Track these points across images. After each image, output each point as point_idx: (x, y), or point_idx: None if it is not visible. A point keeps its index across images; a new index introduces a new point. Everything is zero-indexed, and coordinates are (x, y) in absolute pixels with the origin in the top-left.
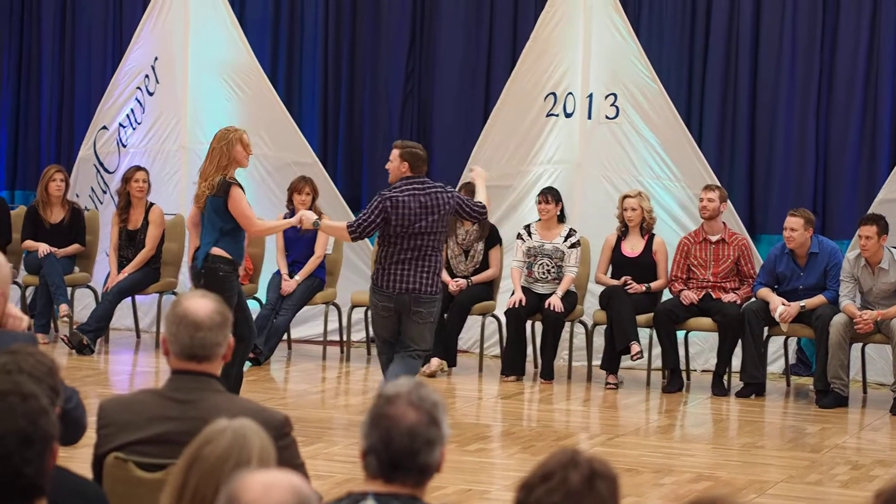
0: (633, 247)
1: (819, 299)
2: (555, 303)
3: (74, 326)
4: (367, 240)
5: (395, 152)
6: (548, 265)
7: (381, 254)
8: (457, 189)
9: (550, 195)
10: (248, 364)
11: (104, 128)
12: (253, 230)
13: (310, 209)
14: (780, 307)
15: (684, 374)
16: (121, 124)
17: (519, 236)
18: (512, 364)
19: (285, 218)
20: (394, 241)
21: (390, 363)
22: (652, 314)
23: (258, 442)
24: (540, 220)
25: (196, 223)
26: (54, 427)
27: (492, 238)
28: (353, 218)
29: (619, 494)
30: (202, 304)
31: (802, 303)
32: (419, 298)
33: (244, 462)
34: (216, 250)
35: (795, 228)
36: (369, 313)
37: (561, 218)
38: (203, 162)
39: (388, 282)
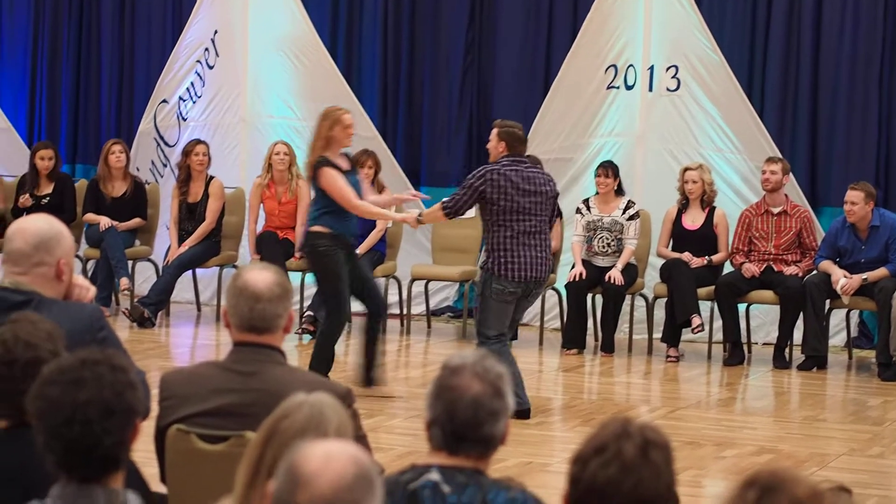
0: (693, 219)
1: (881, 272)
2: (615, 276)
3: (135, 300)
4: None
5: (493, 131)
6: (607, 238)
7: (495, 238)
8: None
9: (610, 169)
10: (307, 337)
11: (164, 101)
12: (355, 211)
13: (372, 183)
14: (842, 280)
15: (745, 347)
16: (181, 98)
17: (578, 210)
18: (573, 337)
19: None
20: (502, 222)
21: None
22: (713, 287)
23: (335, 417)
24: (598, 193)
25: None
26: (140, 403)
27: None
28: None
29: (673, 461)
30: (262, 276)
31: (864, 275)
32: (541, 283)
33: (322, 436)
34: (315, 228)
35: (856, 202)
36: (488, 302)
37: (619, 191)
38: None
39: (514, 269)
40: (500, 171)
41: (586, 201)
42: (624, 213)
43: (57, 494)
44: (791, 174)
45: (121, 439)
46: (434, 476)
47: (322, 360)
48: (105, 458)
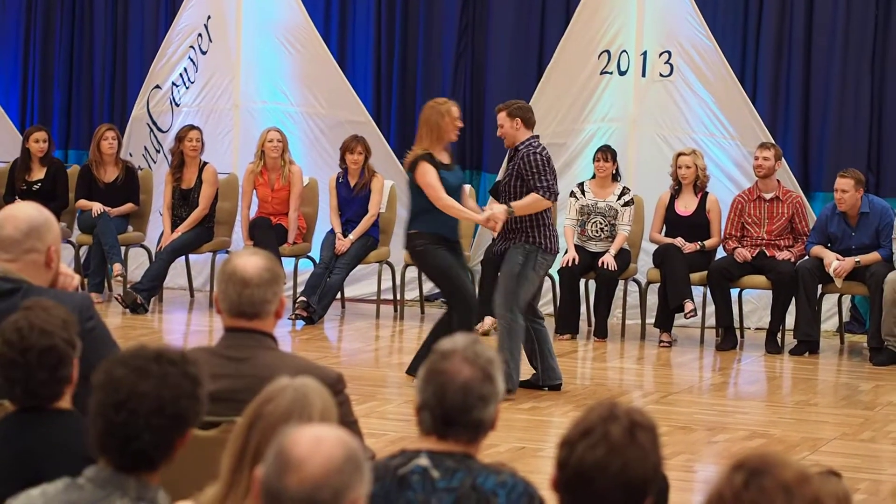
0: (686, 205)
1: (874, 256)
2: (608, 261)
3: (128, 286)
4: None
5: (501, 115)
6: (601, 223)
7: (540, 214)
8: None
9: (609, 152)
10: (301, 323)
11: (157, 87)
12: (442, 207)
13: (362, 168)
14: (835, 262)
15: (738, 332)
16: (174, 83)
17: (572, 194)
18: (566, 322)
19: (338, 179)
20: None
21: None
22: (706, 272)
23: (319, 401)
24: (594, 177)
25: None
26: (196, 416)
27: None
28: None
29: (659, 443)
30: (251, 262)
31: (857, 258)
32: None
33: (306, 420)
34: (412, 230)
35: (846, 190)
36: (530, 276)
37: (615, 176)
38: None
39: (555, 244)
40: (544, 147)
41: (581, 185)
42: (619, 198)
43: (90, 476)
44: (784, 160)
45: (161, 442)
46: (423, 461)
47: None
48: (140, 452)
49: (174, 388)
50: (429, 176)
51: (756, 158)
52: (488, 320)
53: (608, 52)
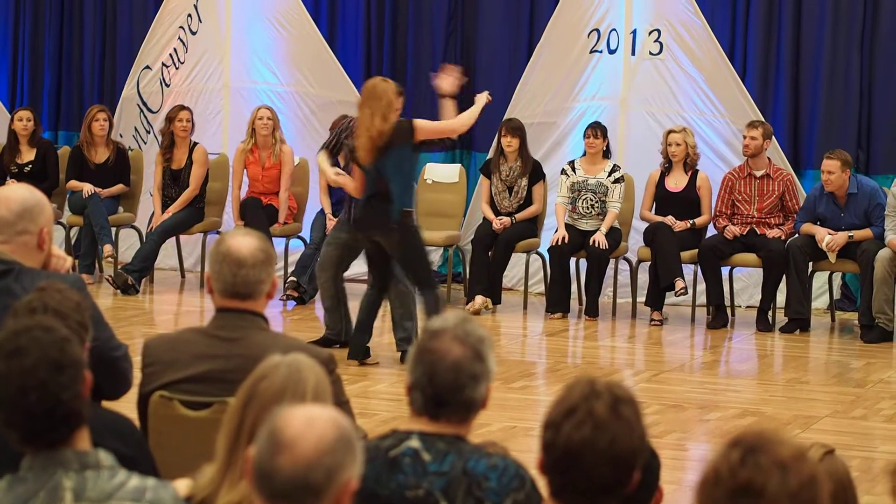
0: (676, 182)
1: (866, 232)
2: (599, 239)
3: (119, 266)
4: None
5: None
6: (591, 200)
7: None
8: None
9: (598, 129)
10: (292, 303)
11: (147, 67)
12: (459, 127)
13: None
14: (827, 237)
15: (729, 310)
16: (164, 64)
17: (563, 171)
18: (556, 301)
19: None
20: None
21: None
22: (696, 250)
23: (312, 376)
24: (585, 155)
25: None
26: (81, 354)
27: (535, 174)
28: None
29: (642, 415)
30: (245, 242)
31: (850, 233)
32: None
33: (300, 397)
34: (406, 209)
35: (832, 171)
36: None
37: (606, 153)
38: (357, 118)
39: None
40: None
41: (572, 163)
42: (610, 175)
43: (28, 465)
44: (773, 137)
45: (77, 393)
46: (414, 443)
47: None
48: (67, 414)
49: (53, 343)
50: (430, 124)
51: (744, 138)
52: (479, 299)
53: (598, 30)
